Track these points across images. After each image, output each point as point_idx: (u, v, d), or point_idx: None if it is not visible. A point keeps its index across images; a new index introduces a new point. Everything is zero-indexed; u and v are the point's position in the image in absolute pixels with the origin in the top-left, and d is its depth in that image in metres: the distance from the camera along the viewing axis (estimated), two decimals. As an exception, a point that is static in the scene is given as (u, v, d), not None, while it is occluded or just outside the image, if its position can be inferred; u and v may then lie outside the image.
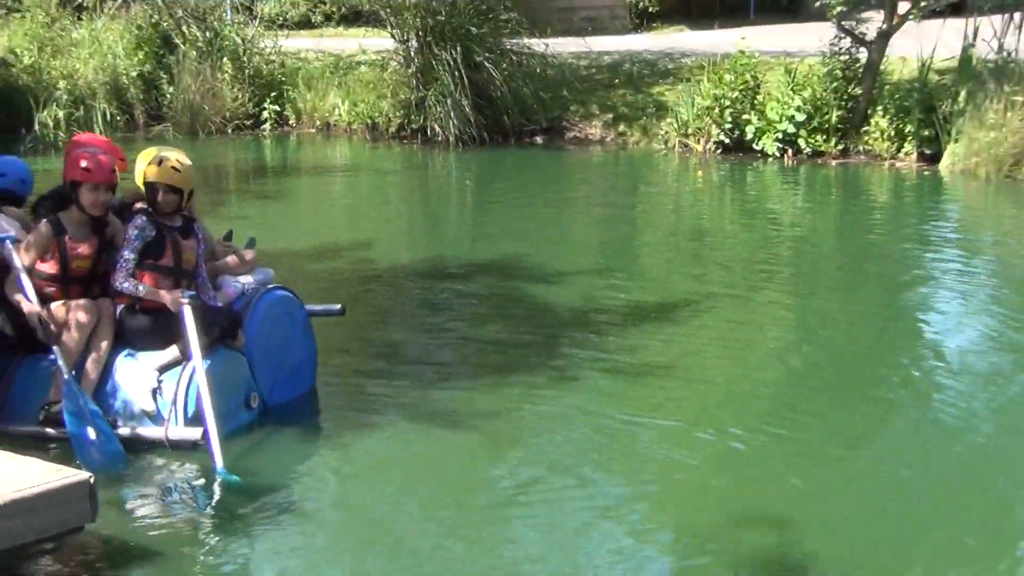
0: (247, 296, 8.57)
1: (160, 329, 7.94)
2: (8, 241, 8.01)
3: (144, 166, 8.25)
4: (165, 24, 23.84)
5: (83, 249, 8.07)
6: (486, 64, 20.55)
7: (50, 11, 25.07)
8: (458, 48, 20.32)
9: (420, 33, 20.84)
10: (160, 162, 8.11)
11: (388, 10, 21.46)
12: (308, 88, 22.94)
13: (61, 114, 22.09)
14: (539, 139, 21.06)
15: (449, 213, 17.07)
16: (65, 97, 22.66)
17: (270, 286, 8.73)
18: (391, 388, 8.90)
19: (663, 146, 19.97)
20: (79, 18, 25.26)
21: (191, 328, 7.75)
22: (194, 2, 23.59)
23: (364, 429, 8.14)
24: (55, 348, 7.69)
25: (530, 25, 21.25)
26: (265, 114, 22.82)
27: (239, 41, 23.01)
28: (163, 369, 7.87)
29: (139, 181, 8.34)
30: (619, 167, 19.65)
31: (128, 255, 7.96)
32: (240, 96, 22.72)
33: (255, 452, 7.86)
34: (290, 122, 22.93)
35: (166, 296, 7.90)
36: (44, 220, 8.10)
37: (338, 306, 9.34)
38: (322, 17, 26.25)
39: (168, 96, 22.90)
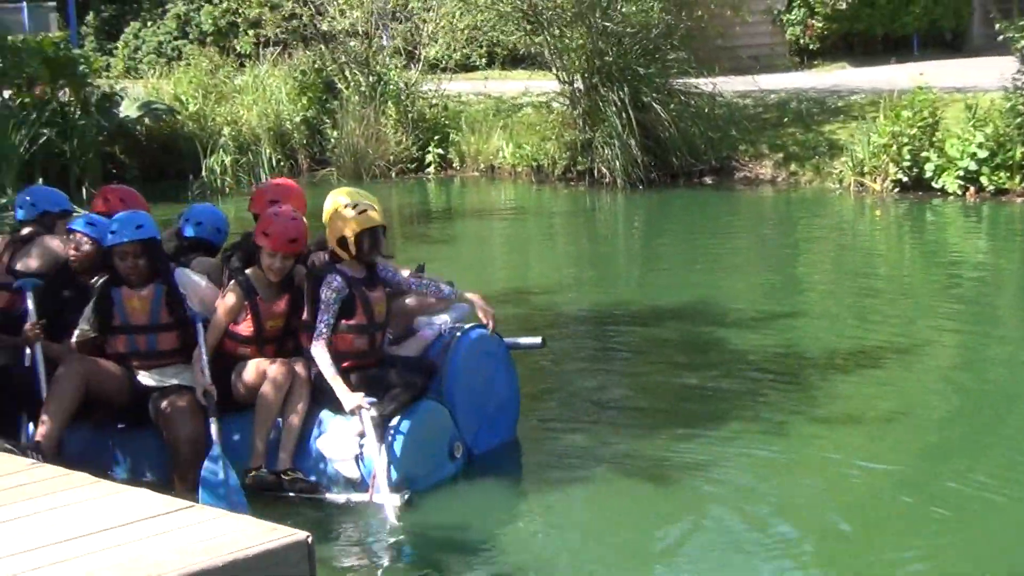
0: (444, 338, 8.22)
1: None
2: (199, 322, 7.82)
3: (342, 223, 7.90)
4: (328, 70, 23.82)
5: (276, 308, 7.87)
6: (654, 104, 20.18)
7: (213, 59, 25.30)
8: (625, 89, 19.97)
9: (586, 74, 20.54)
10: (360, 211, 7.84)
11: (553, 52, 21.15)
12: (471, 131, 22.75)
13: (228, 160, 22.07)
14: (708, 180, 20.62)
15: (622, 255, 16.73)
16: (230, 143, 22.68)
17: (467, 325, 8.35)
18: (592, 436, 8.62)
19: (837, 185, 19.38)
20: (241, 65, 25.41)
21: (370, 432, 7.47)
22: (356, 47, 23.52)
23: (567, 481, 7.84)
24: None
25: (696, 64, 20.81)
26: (429, 157, 22.67)
27: (402, 85, 22.90)
28: (363, 435, 7.56)
29: (331, 224, 8.07)
30: (792, 207, 19.15)
31: (326, 320, 7.66)
32: (404, 140, 22.63)
33: (456, 504, 7.60)
34: (454, 165, 22.75)
35: (348, 398, 7.54)
36: (234, 282, 7.89)
37: (538, 339, 8.83)
38: (484, 60, 26.03)
39: (332, 140, 22.84)
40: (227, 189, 21.65)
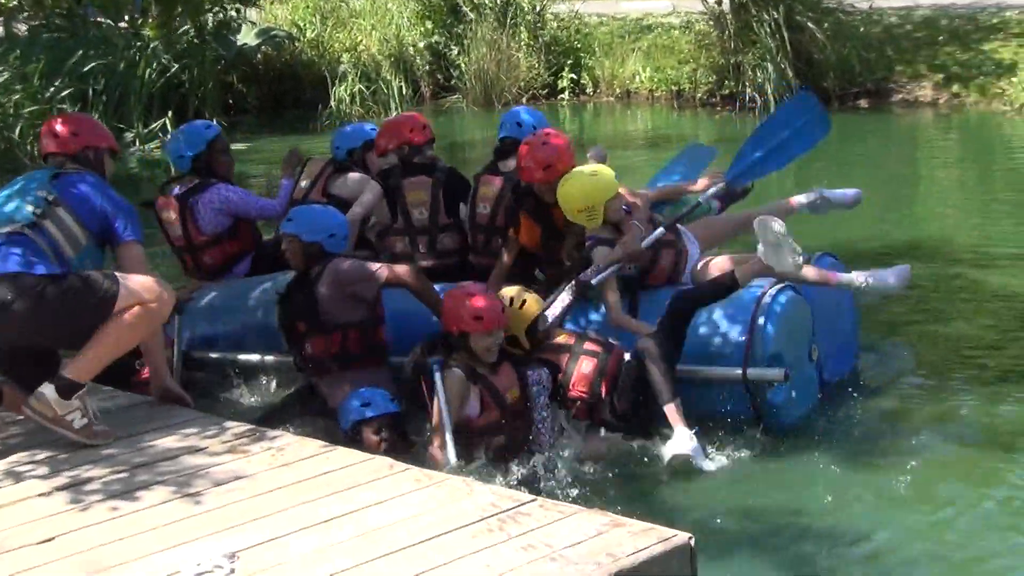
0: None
1: None
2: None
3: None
4: (454, -9, 22.84)
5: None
6: (808, 24, 19.09)
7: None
8: (780, 7, 18.89)
9: (737, -7, 19.50)
10: None
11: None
12: (605, 54, 21.75)
13: (356, 89, 21.17)
14: (863, 103, 19.57)
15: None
16: (350, 71, 21.77)
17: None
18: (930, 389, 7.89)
19: (1008, 107, 18.30)
20: (358, -13, 24.52)
21: None
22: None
23: (904, 436, 7.15)
24: None
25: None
26: (562, 83, 21.71)
27: (533, 7, 21.89)
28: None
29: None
30: (965, 131, 18.10)
31: None
32: (535, 64, 21.65)
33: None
34: (587, 90, 21.73)
35: None
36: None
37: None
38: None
39: (460, 67, 21.88)
40: (354, 119, 20.70)
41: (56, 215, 6.11)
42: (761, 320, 7.09)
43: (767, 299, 7.16)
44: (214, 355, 8.33)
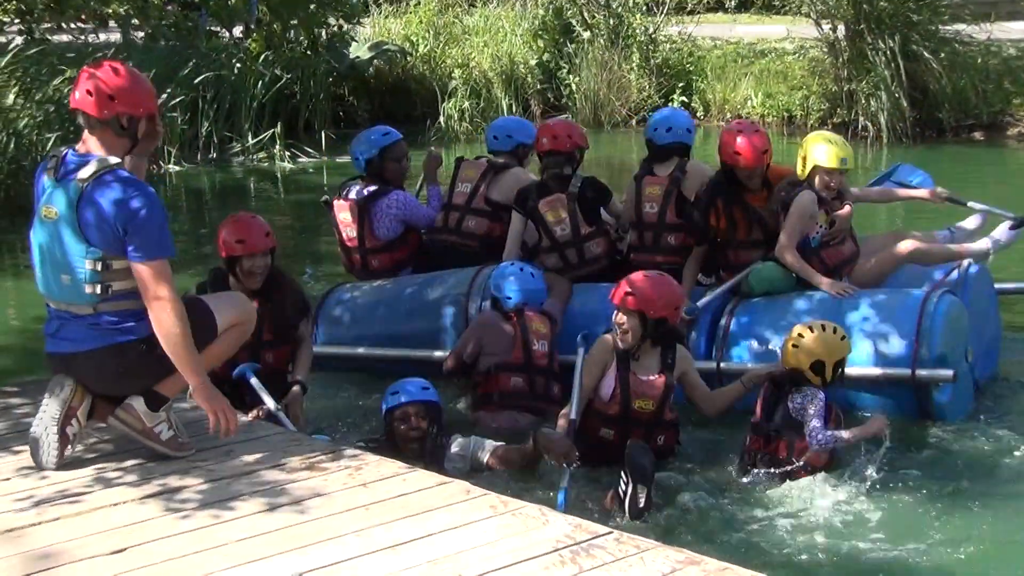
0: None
1: None
2: None
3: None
4: (567, 11, 22.74)
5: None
6: (924, 53, 18.81)
7: (443, -2, 24.45)
8: (896, 37, 18.62)
9: (851, 20, 19.21)
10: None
11: (815, -4, 19.89)
12: (717, 78, 21.58)
13: (466, 104, 21.19)
14: (978, 135, 19.24)
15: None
16: (461, 87, 21.79)
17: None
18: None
19: None
20: (472, 5, 24.53)
21: None
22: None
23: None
24: None
25: (972, 10, 19.37)
26: (673, 105, 21.54)
27: (646, 29, 21.78)
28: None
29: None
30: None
31: None
32: (646, 86, 21.53)
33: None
34: (698, 114, 21.54)
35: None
36: None
37: None
38: (735, 2, 24.72)
39: (571, 86, 21.81)
40: (461, 136, 20.73)
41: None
42: (927, 323, 7.41)
43: (931, 304, 7.49)
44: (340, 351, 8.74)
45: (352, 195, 9.11)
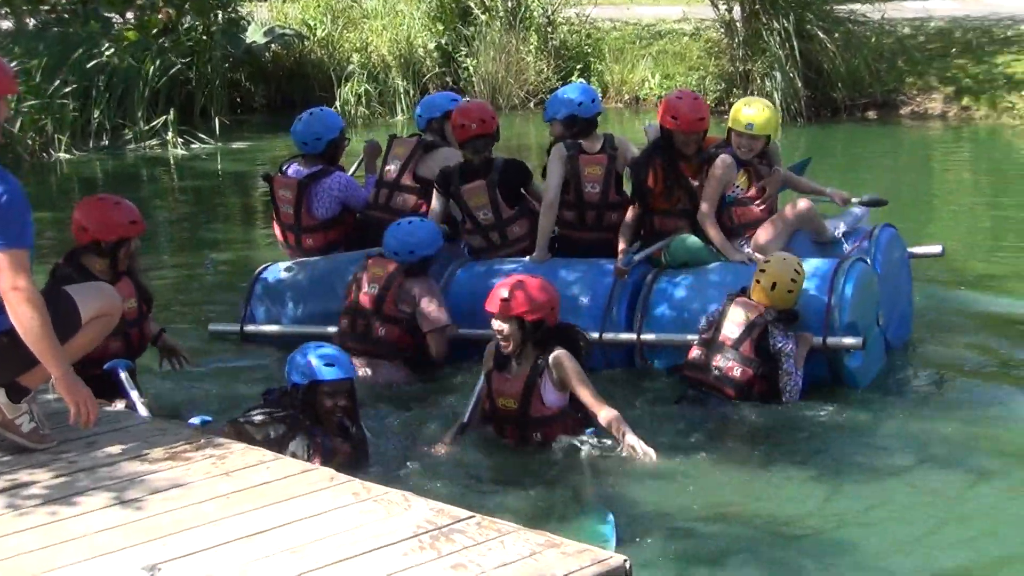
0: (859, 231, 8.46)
1: None
2: None
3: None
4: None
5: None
6: (818, 34, 18.91)
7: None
8: (791, 16, 18.71)
9: (747, 1, 19.28)
10: None
11: (708, -24, 19.97)
12: (616, 60, 21.59)
13: (363, 90, 21.04)
14: (871, 114, 19.41)
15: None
16: (359, 71, 21.65)
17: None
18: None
19: (1018, 121, 18.10)
20: (371, -13, 24.36)
21: None
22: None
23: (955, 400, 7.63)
24: None
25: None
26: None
27: (544, 11, 21.73)
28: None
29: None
30: (974, 145, 17.94)
31: None
32: (544, 69, 21.48)
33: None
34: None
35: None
36: None
37: (938, 248, 9.04)
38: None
39: (469, 69, 21.73)
40: (359, 120, 20.55)
41: None
42: (838, 292, 7.67)
43: (841, 273, 7.75)
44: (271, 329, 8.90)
45: (292, 172, 9.23)
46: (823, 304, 7.66)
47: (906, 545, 5.89)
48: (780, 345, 7.40)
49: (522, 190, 8.83)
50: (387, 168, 9.24)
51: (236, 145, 19.01)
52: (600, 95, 20.46)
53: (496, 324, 6.93)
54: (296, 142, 9.32)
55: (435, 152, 9.13)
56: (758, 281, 7.50)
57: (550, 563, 4.47)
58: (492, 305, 6.92)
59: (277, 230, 9.47)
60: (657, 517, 6.22)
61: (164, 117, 18.84)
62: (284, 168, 9.34)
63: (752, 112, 8.29)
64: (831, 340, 7.61)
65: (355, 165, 9.94)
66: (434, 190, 8.85)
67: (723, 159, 8.25)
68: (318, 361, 6.57)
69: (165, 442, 5.80)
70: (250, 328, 8.99)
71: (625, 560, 4.59)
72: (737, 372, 7.48)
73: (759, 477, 6.72)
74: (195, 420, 6.21)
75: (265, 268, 9.30)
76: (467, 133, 8.74)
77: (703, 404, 7.50)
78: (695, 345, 7.66)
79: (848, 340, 7.59)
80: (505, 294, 6.90)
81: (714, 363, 7.53)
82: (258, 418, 6.45)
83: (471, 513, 4.91)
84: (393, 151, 9.31)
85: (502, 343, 6.93)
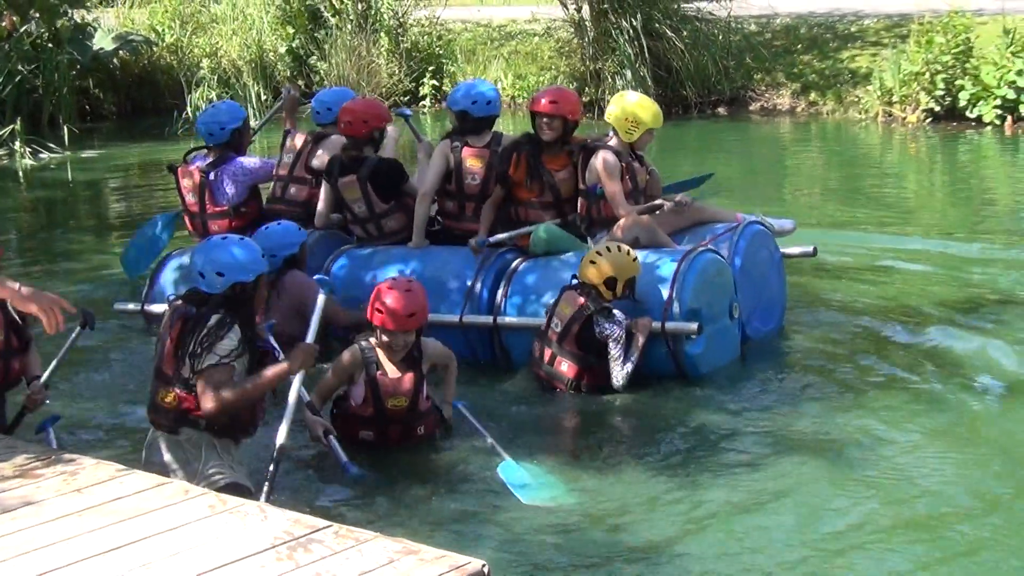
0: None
1: None
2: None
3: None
4: (314, -3, 22.58)
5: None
6: (667, 32, 19.13)
7: (188, -15, 23.96)
8: (639, 15, 18.90)
9: (595, 0, 19.43)
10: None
11: (556, -24, 20.09)
12: (468, 61, 21.65)
13: (214, 95, 20.85)
14: (722, 110, 19.70)
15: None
16: (209, 76, 21.48)
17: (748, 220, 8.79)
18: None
19: (863, 116, 18.49)
20: (218, -8, 24.17)
21: None
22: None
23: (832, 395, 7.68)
24: None
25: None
26: (423, 89, 21.57)
27: (394, 13, 21.70)
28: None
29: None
30: (823, 140, 18.29)
31: None
32: (396, 71, 21.47)
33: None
34: (449, 98, 21.53)
35: None
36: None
37: (811, 248, 9.19)
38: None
39: (321, 73, 21.63)
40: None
41: None
42: (681, 279, 7.79)
43: (687, 261, 7.88)
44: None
45: (198, 162, 9.43)
46: (667, 290, 7.81)
47: (726, 544, 5.87)
48: (607, 332, 7.54)
49: (402, 187, 8.99)
50: (283, 161, 9.56)
51: (87, 154, 18.71)
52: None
53: (383, 338, 6.83)
54: (202, 134, 9.48)
55: (325, 142, 9.36)
56: (592, 261, 7.67)
57: (408, 569, 4.47)
58: (376, 319, 6.84)
59: (186, 219, 9.63)
60: (514, 521, 6.22)
61: (11, 127, 18.42)
62: (189, 159, 9.56)
63: (617, 112, 8.52)
64: (669, 325, 7.75)
65: (266, 116, 10.03)
66: (323, 180, 9.11)
67: (601, 153, 8.35)
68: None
69: (13, 459, 5.69)
70: (152, 308, 9.05)
71: (484, 565, 4.60)
72: (564, 367, 7.65)
73: (591, 473, 6.74)
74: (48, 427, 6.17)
75: (168, 255, 9.51)
76: (342, 130, 9.01)
77: (549, 399, 7.71)
78: (536, 339, 7.82)
79: (686, 325, 7.72)
80: (387, 308, 6.79)
81: (545, 358, 7.73)
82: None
83: (328, 523, 4.89)
84: (288, 144, 9.63)
85: (394, 350, 6.87)
